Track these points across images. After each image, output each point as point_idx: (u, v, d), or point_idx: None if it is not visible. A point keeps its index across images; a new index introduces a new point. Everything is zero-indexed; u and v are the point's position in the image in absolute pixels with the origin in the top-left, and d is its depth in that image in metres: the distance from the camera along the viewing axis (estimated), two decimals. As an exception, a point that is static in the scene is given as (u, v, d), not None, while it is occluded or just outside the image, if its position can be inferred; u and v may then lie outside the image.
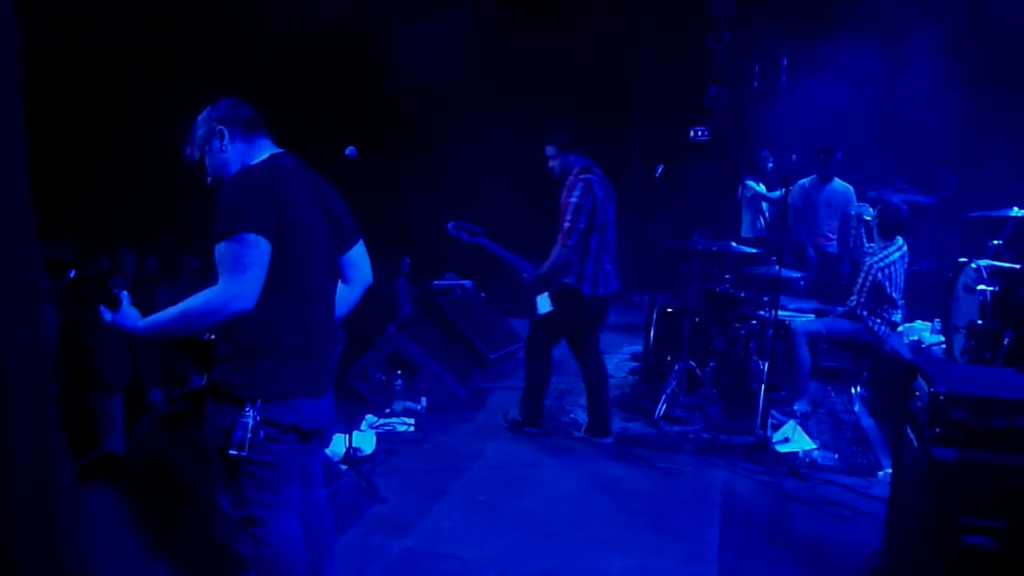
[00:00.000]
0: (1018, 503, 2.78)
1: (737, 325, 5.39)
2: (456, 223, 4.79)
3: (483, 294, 6.91)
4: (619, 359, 6.54)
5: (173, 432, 3.26)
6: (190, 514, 3.13)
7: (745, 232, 7.31)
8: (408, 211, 7.85)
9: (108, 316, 2.33)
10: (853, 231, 6.29)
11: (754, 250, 5.84)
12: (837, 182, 6.60)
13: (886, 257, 5.02)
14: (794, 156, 5.21)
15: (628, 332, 7.38)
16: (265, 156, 2.43)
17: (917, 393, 3.21)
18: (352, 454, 4.23)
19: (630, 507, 3.95)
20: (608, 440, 4.74)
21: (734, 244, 5.92)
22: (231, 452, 2.33)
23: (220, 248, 2.22)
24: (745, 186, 7.36)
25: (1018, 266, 4.72)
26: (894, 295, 4.96)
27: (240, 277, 2.20)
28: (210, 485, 3.19)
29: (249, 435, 2.32)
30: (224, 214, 2.24)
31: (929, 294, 5.92)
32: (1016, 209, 4.83)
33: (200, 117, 2.47)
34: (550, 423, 5.06)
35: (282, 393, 2.35)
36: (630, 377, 6.06)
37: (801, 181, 6.72)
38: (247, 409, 2.31)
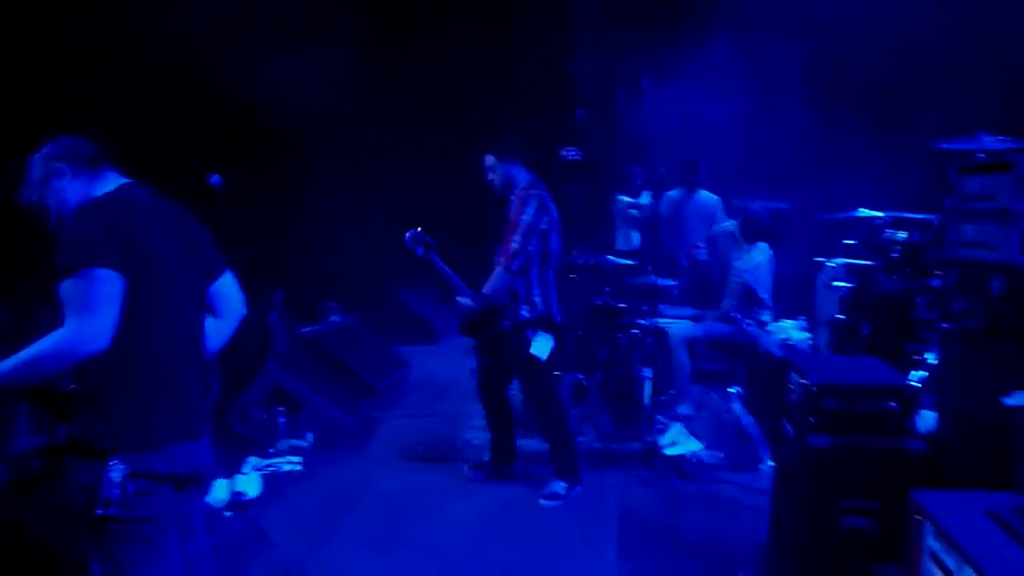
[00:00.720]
0: (888, 483, 2.95)
1: (619, 335, 5.51)
2: (414, 234, 4.27)
3: (361, 323, 6.75)
4: (507, 378, 6.54)
5: (27, 497, 2.98)
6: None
7: (619, 246, 7.53)
8: (280, 242, 7.59)
9: None
10: (720, 242, 6.60)
11: (630, 262, 6.01)
12: (703, 193, 6.90)
13: (751, 260, 5.27)
14: (663, 169, 5.42)
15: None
16: (111, 188, 2.27)
17: (791, 387, 3.36)
18: (236, 499, 4.01)
19: (529, 527, 3.93)
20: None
21: (611, 257, 6.10)
22: (98, 511, 2.13)
23: (65, 286, 2.03)
24: (617, 201, 7.60)
25: (870, 263, 5.06)
26: (762, 297, 5.21)
27: (90, 317, 2.02)
28: (79, 550, 2.94)
29: (117, 491, 2.13)
30: (68, 248, 2.06)
31: (794, 294, 6.25)
32: (863, 210, 5.20)
33: (36, 156, 2.28)
34: (443, 449, 4.98)
35: (152, 441, 2.17)
36: (519, 394, 6.07)
37: (670, 193, 6.99)
38: (113, 462, 2.13)
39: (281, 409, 5.04)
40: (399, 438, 5.21)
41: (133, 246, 2.12)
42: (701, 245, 6.99)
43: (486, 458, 4.63)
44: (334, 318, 7.17)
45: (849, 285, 5.00)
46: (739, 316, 5.27)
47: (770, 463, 4.54)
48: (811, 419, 3.04)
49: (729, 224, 5.95)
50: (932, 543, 2.11)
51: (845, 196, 5.83)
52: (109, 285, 2.06)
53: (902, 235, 4.70)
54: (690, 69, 7.89)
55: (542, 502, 4.16)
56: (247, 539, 3.73)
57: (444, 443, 5.07)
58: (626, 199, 7.48)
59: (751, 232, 5.36)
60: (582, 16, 9.50)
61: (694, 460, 4.69)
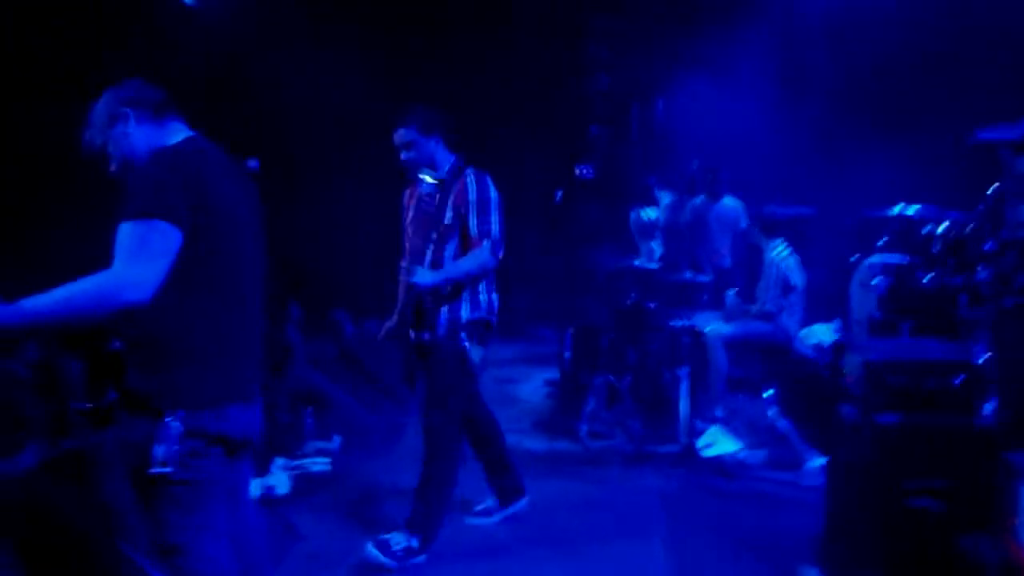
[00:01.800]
0: (956, 462, 2.83)
1: (648, 337, 5.41)
2: None
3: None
4: (533, 386, 6.44)
5: (60, 478, 2.87)
6: (89, 562, 2.74)
7: (641, 261, 7.45)
8: (296, 244, 7.48)
9: None
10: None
11: (656, 265, 5.97)
12: (727, 199, 6.83)
13: (781, 252, 5.26)
14: (695, 161, 5.32)
15: (536, 363, 7.29)
16: (181, 138, 2.20)
17: (846, 371, 3.26)
18: (267, 494, 3.89)
19: (567, 521, 3.80)
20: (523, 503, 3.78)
21: (637, 263, 6.05)
22: (152, 470, 2.00)
23: (125, 229, 1.95)
24: (638, 216, 7.53)
25: (907, 259, 4.96)
26: (798, 286, 5.19)
27: (142, 265, 1.93)
28: (112, 531, 2.82)
29: (174, 448, 2.01)
30: (136, 194, 1.99)
31: (823, 299, 6.16)
32: (901, 206, 5.11)
33: (102, 101, 2.21)
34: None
35: (207, 400, 2.07)
36: (548, 400, 5.96)
37: (692, 201, 6.92)
38: (167, 419, 2.02)
39: (308, 410, 4.92)
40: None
41: (205, 198, 2.05)
42: (725, 253, 6.91)
43: (489, 503, 3.83)
44: (348, 326, 7.08)
45: (887, 282, 4.88)
46: (775, 311, 5.20)
47: (814, 462, 4.41)
48: (874, 397, 2.93)
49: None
50: (1031, 503, 2.00)
51: (868, 198, 5.77)
52: (167, 239, 1.97)
53: (942, 228, 4.60)
54: (705, 79, 7.91)
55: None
56: (279, 533, 3.59)
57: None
58: (645, 213, 7.43)
59: (768, 228, 5.38)
60: (596, 32, 9.54)
61: (733, 461, 4.55)
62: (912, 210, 4.96)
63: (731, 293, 5.77)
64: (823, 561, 3.13)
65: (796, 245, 5.57)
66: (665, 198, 7.37)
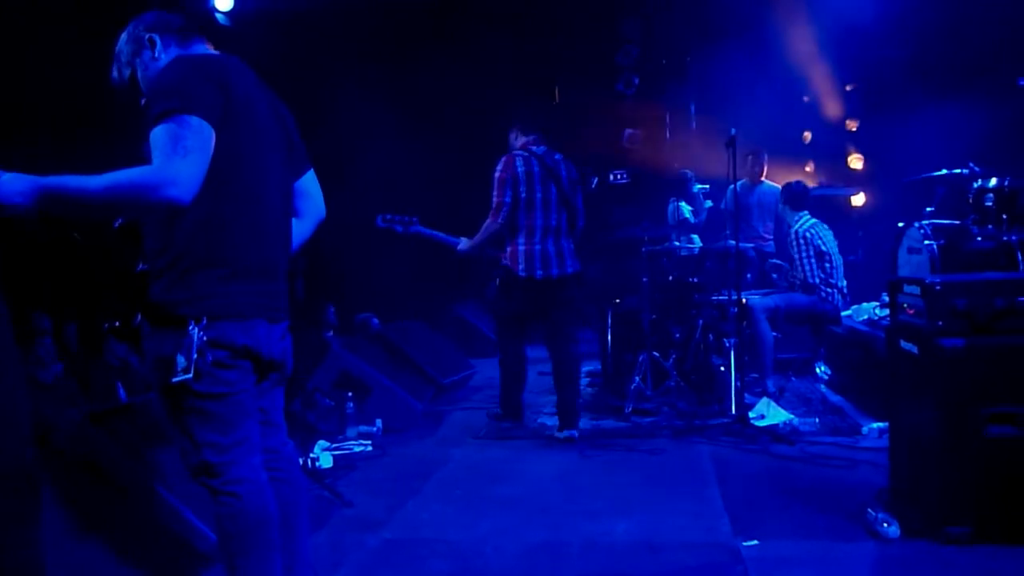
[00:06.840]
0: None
1: (694, 313, 5.28)
2: (384, 216, 4.58)
3: (424, 327, 6.60)
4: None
5: (105, 428, 2.84)
6: (134, 512, 2.70)
7: (681, 243, 7.34)
8: (334, 258, 7.49)
9: None
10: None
11: (695, 247, 5.84)
12: (767, 183, 6.72)
13: (805, 222, 5.19)
14: (733, 129, 5.20)
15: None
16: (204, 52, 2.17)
17: (905, 304, 3.13)
18: (311, 466, 3.82)
19: (620, 481, 3.69)
20: (573, 432, 4.42)
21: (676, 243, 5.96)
22: (173, 379, 1.93)
23: (157, 131, 1.87)
24: (678, 208, 7.43)
25: (957, 221, 4.81)
26: (832, 255, 5.09)
27: (179, 161, 1.84)
28: (148, 474, 2.78)
29: (195, 356, 1.93)
30: (161, 94, 1.92)
31: (870, 278, 6.00)
32: (944, 170, 4.97)
33: (124, 35, 2.16)
34: (517, 431, 4.75)
35: (232, 310, 2.00)
36: (590, 388, 5.83)
37: (731, 186, 6.80)
38: (191, 327, 1.94)
39: (348, 394, 4.86)
40: (470, 424, 4.99)
41: (227, 103, 1.98)
42: (769, 237, 6.77)
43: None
44: (375, 324, 7.06)
45: (939, 243, 4.71)
46: (817, 282, 5.08)
47: (871, 425, 4.23)
48: (939, 322, 2.79)
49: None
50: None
51: (904, 169, 5.68)
52: (201, 135, 1.90)
53: (994, 182, 4.45)
54: (736, 67, 7.89)
55: None
56: (323, 503, 3.52)
57: (517, 427, 4.84)
58: (685, 207, 7.34)
59: (795, 199, 5.35)
60: (627, 34, 9.54)
61: (787, 428, 4.39)
62: (956, 171, 4.81)
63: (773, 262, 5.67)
64: (893, 505, 2.97)
65: (837, 224, 5.50)
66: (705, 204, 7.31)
